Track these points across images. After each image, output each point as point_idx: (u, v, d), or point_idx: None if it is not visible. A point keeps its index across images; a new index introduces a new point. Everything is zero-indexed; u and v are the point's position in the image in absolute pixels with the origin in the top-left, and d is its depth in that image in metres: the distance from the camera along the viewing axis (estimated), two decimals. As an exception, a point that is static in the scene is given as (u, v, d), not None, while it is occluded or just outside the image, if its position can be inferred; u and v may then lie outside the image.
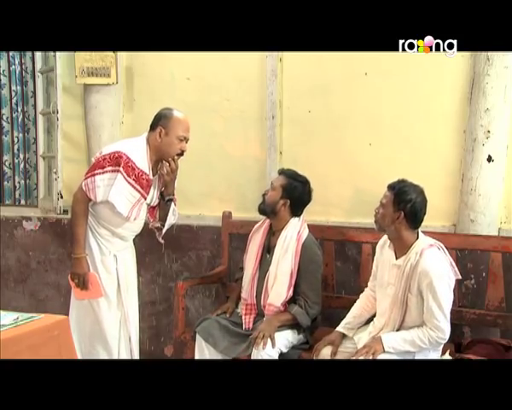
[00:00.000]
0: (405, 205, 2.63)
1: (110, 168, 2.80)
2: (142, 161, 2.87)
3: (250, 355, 2.87)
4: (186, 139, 2.93)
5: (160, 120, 2.90)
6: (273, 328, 2.92)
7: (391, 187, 2.69)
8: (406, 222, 2.65)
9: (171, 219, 3.09)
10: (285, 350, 2.93)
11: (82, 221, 2.88)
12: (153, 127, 2.92)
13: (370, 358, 2.58)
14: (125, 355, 3.02)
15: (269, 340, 2.86)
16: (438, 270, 2.59)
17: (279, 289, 3.01)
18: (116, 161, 2.80)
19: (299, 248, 3.02)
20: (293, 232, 3.06)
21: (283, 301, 3.00)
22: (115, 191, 2.80)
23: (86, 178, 2.86)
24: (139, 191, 2.86)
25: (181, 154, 2.93)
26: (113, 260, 2.97)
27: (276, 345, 2.87)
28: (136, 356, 3.10)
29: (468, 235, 3.10)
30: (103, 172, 2.81)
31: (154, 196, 3.00)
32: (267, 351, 2.84)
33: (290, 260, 3.01)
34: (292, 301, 3.03)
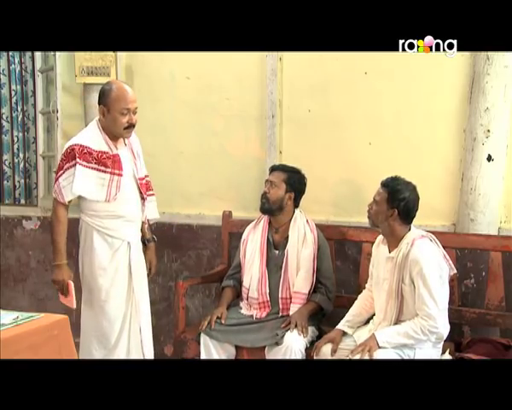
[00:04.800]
0: (399, 203, 2.67)
1: (68, 165, 2.84)
2: (98, 142, 2.89)
3: (277, 343, 2.89)
4: (131, 111, 2.88)
5: (100, 99, 2.91)
6: (305, 318, 3.00)
7: (385, 185, 2.73)
8: (400, 219, 2.69)
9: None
10: (309, 345, 2.96)
11: (60, 229, 2.89)
12: (99, 107, 2.92)
13: (366, 356, 2.58)
14: (134, 347, 2.99)
15: (295, 331, 2.92)
16: (428, 258, 2.62)
17: (305, 275, 3.10)
18: (71, 156, 2.84)
19: (315, 233, 3.15)
20: (302, 221, 3.18)
21: (310, 286, 3.09)
22: (78, 183, 2.83)
23: (54, 185, 2.92)
24: (105, 171, 2.87)
25: (130, 126, 2.90)
26: (126, 249, 2.97)
27: (306, 339, 2.94)
28: (148, 347, 3.06)
29: (467, 234, 3.10)
30: (63, 172, 2.86)
31: (133, 167, 3.01)
32: (299, 345, 2.87)
33: (312, 247, 3.12)
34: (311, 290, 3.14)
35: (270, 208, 3.16)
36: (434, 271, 2.61)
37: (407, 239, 2.68)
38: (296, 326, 2.94)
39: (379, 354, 2.59)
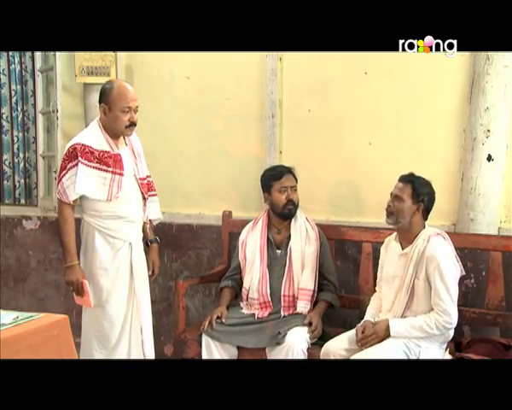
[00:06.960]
0: (424, 198, 2.71)
1: (70, 164, 2.85)
2: (100, 141, 2.90)
3: (279, 343, 2.89)
4: (132, 109, 2.88)
5: (101, 97, 2.91)
6: (319, 318, 3.02)
7: (407, 180, 2.73)
8: (422, 214, 2.72)
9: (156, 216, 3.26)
10: (310, 346, 2.96)
11: (68, 229, 2.89)
12: (99, 106, 2.93)
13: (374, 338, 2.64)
14: (135, 348, 2.99)
15: (301, 329, 2.94)
16: (444, 254, 2.65)
17: (310, 272, 3.12)
18: (73, 155, 2.85)
19: (316, 231, 3.18)
20: (302, 220, 3.20)
21: (315, 282, 3.11)
22: (81, 182, 2.84)
23: (57, 186, 2.93)
24: (107, 170, 2.88)
25: (131, 125, 2.90)
26: (127, 250, 2.97)
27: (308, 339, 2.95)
28: (149, 347, 3.06)
29: (468, 234, 3.10)
30: (66, 172, 2.86)
31: (134, 167, 3.01)
32: (301, 345, 2.87)
33: (315, 244, 3.15)
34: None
35: (295, 212, 3.19)
36: (451, 267, 2.65)
37: (423, 236, 2.70)
38: (310, 325, 2.96)
39: (387, 344, 2.61)
